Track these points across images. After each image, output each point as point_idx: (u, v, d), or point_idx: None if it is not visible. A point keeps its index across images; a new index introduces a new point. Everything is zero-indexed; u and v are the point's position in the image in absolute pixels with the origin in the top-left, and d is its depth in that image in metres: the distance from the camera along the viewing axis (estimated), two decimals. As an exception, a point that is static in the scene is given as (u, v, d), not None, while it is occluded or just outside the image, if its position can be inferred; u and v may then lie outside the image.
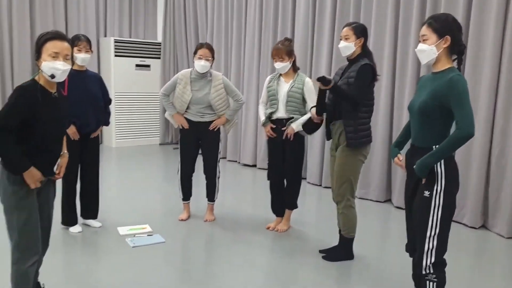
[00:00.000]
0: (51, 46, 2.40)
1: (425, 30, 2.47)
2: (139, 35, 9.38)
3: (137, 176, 6.48)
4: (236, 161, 7.58)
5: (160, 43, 9.14)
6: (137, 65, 8.82)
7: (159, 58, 9.10)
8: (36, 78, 2.46)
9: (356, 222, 3.65)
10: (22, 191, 2.40)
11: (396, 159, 2.75)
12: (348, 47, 3.47)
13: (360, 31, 3.48)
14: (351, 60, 3.53)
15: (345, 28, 3.51)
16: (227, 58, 7.71)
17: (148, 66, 8.97)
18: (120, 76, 8.48)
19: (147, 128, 9.18)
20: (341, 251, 3.72)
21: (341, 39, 3.52)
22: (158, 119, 9.25)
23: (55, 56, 2.40)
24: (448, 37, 2.41)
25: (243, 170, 7.16)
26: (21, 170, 2.36)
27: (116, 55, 8.48)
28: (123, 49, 8.58)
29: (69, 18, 8.46)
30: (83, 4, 8.56)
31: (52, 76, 2.41)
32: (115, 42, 8.48)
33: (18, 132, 2.35)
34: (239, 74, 7.49)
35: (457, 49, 2.46)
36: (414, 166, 2.47)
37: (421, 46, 2.48)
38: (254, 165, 7.28)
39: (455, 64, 2.49)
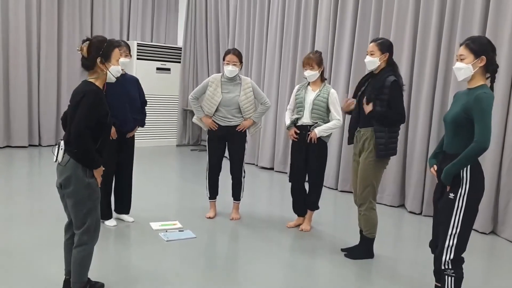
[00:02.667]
0: (117, 53, 2.80)
1: (462, 50, 2.75)
2: (160, 39, 9.70)
3: (159, 176, 6.78)
4: (254, 164, 7.85)
5: (180, 47, 9.45)
6: (158, 68, 9.14)
7: (179, 62, 9.41)
8: (93, 80, 2.78)
9: (377, 223, 3.91)
10: (93, 183, 2.76)
11: (432, 169, 2.98)
12: (373, 62, 3.73)
13: (385, 47, 3.72)
14: (376, 74, 3.78)
15: (371, 44, 3.77)
16: (248, 63, 7.96)
17: (168, 69, 9.28)
18: (141, 79, 8.57)
19: (165, 130, 9.48)
20: (362, 250, 3.98)
21: (367, 54, 3.79)
22: (176, 121, 9.55)
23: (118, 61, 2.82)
24: (484, 57, 2.69)
25: (261, 172, 7.44)
26: (98, 165, 2.73)
27: (138, 58, 8.79)
28: (145, 53, 8.90)
29: (95, 22, 8.82)
30: (108, 8, 8.90)
31: (117, 78, 2.83)
32: (138, 45, 8.79)
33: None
34: (259, 79, 7.75)
35: (491, 69, 2.74)
36: (442, 175, 2.75)
37: (458, 64, 2.75)
38: (272, 168, 7.55)
39: (488, 81, 2.76)
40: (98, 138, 2.74)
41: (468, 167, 2.69)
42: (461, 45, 2.78)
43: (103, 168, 2.80)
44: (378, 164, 3.76)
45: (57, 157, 2.74)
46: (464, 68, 2.73)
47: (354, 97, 3.95)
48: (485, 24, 4.87)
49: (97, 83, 2.78)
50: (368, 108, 3.68)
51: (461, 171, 2.70)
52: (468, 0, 4.99)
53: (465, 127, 2.70)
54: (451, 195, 2.74)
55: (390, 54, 3.75)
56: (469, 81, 2.77)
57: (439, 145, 3.01)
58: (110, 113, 2.79)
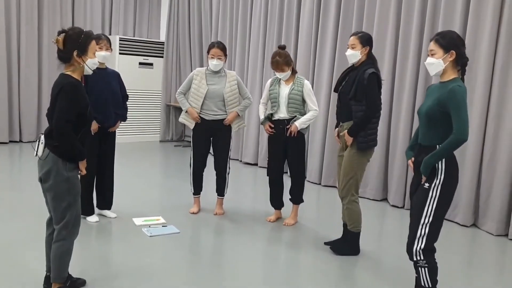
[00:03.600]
0: (94, 45, 2.79)
1: (432, 45, 2.80)
2: (142, 34, 9.62)
3: (143, 171, 6.74)
4: (238, 160, 7.84)
5: (163, 42, 9.38)
6: (141, 63, 9.06)
7: (162, 57, 9.34)
8: (70, 73, 2.74)
9: (361, 217, 3.92)
10: (74, 176, 2.74)
11: (409, 161, 3.01)
12: (354, 55, 3.75)
13: (366, 40, 3.75)
14: (356, 67, 3.80)
15: (351, 37, 3.80)
16: (231, 58, 7.93)
17: (151, 64, 9.21)
18: (123, 74, 8.54)
19: (148, 125, 9.41)
20: (348, 246, 3.96)
21: (348, 48, 3.81)
22: (159, 117, 9.49)
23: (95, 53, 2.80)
24: (453, 52, 2.74)
25: (245, 168, 7.43)
26: (82, 157, 2.71)
27: (120, 53, 8.70)
28: (127, 47, 8.81)
29: (76, 17, 8.70)
30: (90, 2, 8.79)
31: (94, 71, 2.80)
32: (120, 40, 8.70)
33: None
34: (242, 73, 7.73)
35: (461, 62, 2.79)
36: (421, 166, 2.78)
37: (429, 59, 2.81)
38: (256, 164, 7.55)
39: (459, 74, 2.81)
40: (79, 131, 2.72)
41: (444, 158, 2.73)
42: (431, 40, 2.84)
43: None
44: (361, 157, 3.78)
45: (37, 151, 2.71)
46: (435, 63, 2.78)
47: (335, 91, 3.98)
48: (466, 18, 4.93)
49: (74, 75, 2.74)
50: (349, 140, 3.74)
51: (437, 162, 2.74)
52: (448, 7, 5.03)
53: (439, 120, 2.75)
54: (426, 185, 2.78)
55: (370, 48, 3.78)
56: (441, 75, 2.82)
57: (414, 137, 3.04)
58: (89, 105, 2.76)
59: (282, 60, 4.35)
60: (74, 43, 2.70)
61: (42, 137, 2.72)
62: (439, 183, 2.74)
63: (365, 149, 3.75)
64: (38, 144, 2.72)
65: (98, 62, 4.29)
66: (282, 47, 4.43)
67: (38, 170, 2.75)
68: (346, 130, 3.78)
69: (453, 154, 2.77)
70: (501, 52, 4.64)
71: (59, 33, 2.71)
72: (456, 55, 2.75)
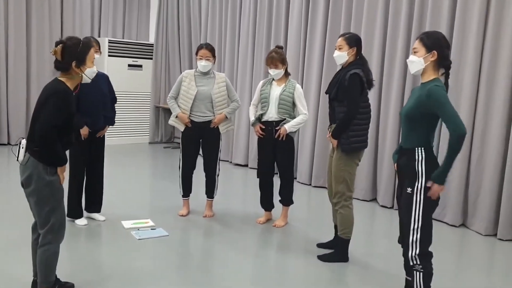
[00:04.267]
0: (92, 54, 2.76)
1: (416, 43, 2.80)
2: (132, 36, 9.57)
3: (131, 174, 6.70)
4: (228, 161, 7.82)
5: (152, 44, 9.35)
6: (130, 65, 9.01)
7: (151, 58, 9.30)
8: (64, 80, 2.72)
9: (353, 222, 3.84)
10: (55, 181, 2.70)
11: (396, 164, 2.99)
12: (341, 56, 3.74)
13: (353, 41, 3.73)
14: (344, 68, 3.78)
15: (339, 39, 3.78)
16: (220, 59, 7.92)
17: (140, 66, 9.17)
18: (113, 76, 8.50)
19: (138, 127, 9.37)
20: (337, 253, 3.88)
21: (335, 49, 3.80)
22: (148, 118, 9.45)
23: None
24: (435, 52, 2.73)
25: (235, 169, 7.41)
26: (64, 163, 2.67)
27: (109, 55, 8.65)
28: (116, 49, 8.76)
29: (65, 19, 8.63)
30: (79, 4, 8.74)
31: (92, 79, 2.80)
32: (109, 42, 8.65)
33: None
34: (232, 76, 7.72)
35: (443, 64, 2.78)
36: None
37: (411, 57, 2.81)
38: (246, 165, 7.54)
39: (443, 77, 2.80)
40: (61, 139, 2.69)
41: (423, 160, 2.72)
42: (416, 38, 2.83)
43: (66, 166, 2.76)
44: (346, 159, 3.72)
45: (18, 156, 2.68)
46: (416, 61, 2.77)
47: (327, 92, 3.94)
48: (452, 20, 4.96)
49: (68, 84, 2.72)
50: (334, 142, 3.75)
51: (416, 164, 2.73)
52: (435, 8, 5.05)
53: (418, 121, 2.74)
54: (409, 190, 2.76)
55: (358, 48, 3.75)
56: (421, 75, 2.81)
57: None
58: (79, 111, 2.75)
59: (277, 57, 4.37)
60: (73, 53, 2.67)
61: (23, 141, 2.69)
62: (421, 186, 2.72)
63: (350, 151, 3.69)
64: (19, 149, 2.69)
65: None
66: (280, 47, 4.48)
67: (20, 174, 2.73)
68: (331, 132, 3.78)
69: (432, 154, 2.77)
70: (487, 53, 4.68)
71: (57, 43, 2.67)
72: (438, 56, 2.73)
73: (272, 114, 4.44)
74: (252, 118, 4.56)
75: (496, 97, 4.65)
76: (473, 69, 4.76)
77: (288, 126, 4.36)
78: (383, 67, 5.63)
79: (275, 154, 4.52)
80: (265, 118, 4.47)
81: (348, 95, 3.63)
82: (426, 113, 2.69)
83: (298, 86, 4.46)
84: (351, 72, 3.62)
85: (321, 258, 3.89)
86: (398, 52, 5.42)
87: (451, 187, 4.91)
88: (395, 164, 2.99)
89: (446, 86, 2.77)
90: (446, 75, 2.82)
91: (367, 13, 5.70)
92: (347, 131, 3.66)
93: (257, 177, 4.67)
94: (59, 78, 2.72)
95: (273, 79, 4.52)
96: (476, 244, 4.54)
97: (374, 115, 5.63)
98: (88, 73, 2.76)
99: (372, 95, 5.63)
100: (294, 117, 4.43)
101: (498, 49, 4.62)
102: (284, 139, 4.39)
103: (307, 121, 6.01)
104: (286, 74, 4.51)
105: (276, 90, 4.44)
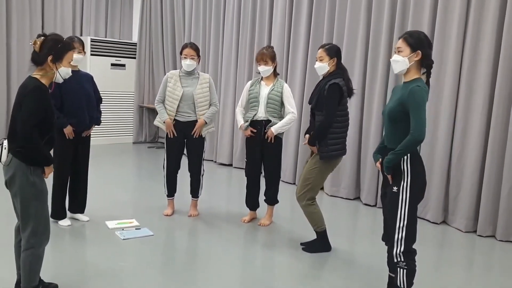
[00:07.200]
0: (71, 55, 2.74)
1: (400, 43, 2.82)
2: (114, 35, 9.50)
3: (115, 174, 6.67)
4: (212, 160, 7.81)
5: (135, 43, 9.30)
6: (113, 65, 8.95)
7: (134, 58, 9.25)
8: (38, 77, 2.70)
9: (321, 215, 3.97)
10: (40, 181, 2.68)
11: (377, 163, 3.02)
12: (322, 67, 3.84)
13: (333, 52, 3.83)
14: (325, 77, 3.86)
15: (319, 50, 3.87)
16: (204, 59, 7.91)
17: (123, 65, 9.11)
18: (96, 75, 8.37)
19: (121, 127, 9.31)
20: (319, 244, 4.03)
21: (316, 60, 3.88)
22: (132, 118, 9.40)
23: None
24: (420, 52, 2.77)
25: (220, 169, 7.42)
26: (49, 162, 2.66)
27: (92, 54, 8.58)
28: (99, 49, 8.70)
29: (46, 17, 8.51)
30: (60, 2, 8.63)
31: (64, 80, 2.77)
32: (92, 41, 8.59)
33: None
34: (216, 76, 7.72)
35: (426, 63, 2.82)
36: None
37: (395, 57, 2.83)
38: (230, 165, 7.54)
39: (424, 77, 2.85)
40: (43, 137, 2.67)
41: (408, 159, 2.76)
42: (399, 38, 2.86)
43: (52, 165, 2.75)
44: (322, 166, 3.83)
45: (1, 157, 2.66)
46: (400, 61, 2.79)
47: (310, 102, 3.99)
48: (434, 20, 5.04)
49: (42, 80, 2.70)
50: (312, 148, 3.84)
51: (402, 163, 2.76)
52: (417, 9, 5.13)
53: (402, 121, 2.77)
54: (395, 189, 2.81)
55: (338, 59, 3.85)
56: (404, 75, 2.84)
57: (382, 140, 3.06)
58: (58, 114, 2.74)
59: (268, 53, 4.42)
60: (51, 48, 2.67)
61: (5, 142, 2.67)
62: (406, 185, 2.76)
63: (328, 159, 3.79)
64: (2, 150, 2.67)
65: (71, 64, 4.33)
66: (271, 47, 4.57)
67: (4, 175, 2.70)
68: (307, 140, 3.86)
69: (417, 153, 2.81)
70: (467, 52, 4.75)
71: (39, 35, 2.68)
72: (422, 56, 2.77)
73: (261, 113, 4.45)
74: (242, 122, 4.55)
75: (476, 95, 4.73)
76: (454, 68, 4.84)
77: (275, 129, 4.38)
78: (366, 66, 5.68)
79: (263, 154, 4.55)
80: (254, 118, 4.48)
81: (327, 105, 3.72)
82: (407, 112, 2.72)
83: (286, 85, 4.49)
84: (330, 83, 3.72)
85: (306, 249, 4.01)
86: (381, 49, 5.47)
87: (432, 185, 4.99)
88: (377, 163, 3.02)
89: (427, 86, 2.81)
90: (428, 75, 2.86)
91: (350, 13, 5.75)
92: (325, 139, 3.74)
93: (246, 176, 4.69)
94: (33, 76, 2.70)
95: (262, 79, 4.53)
96: (457, 240, 4.62)
97: (357, 115, 5.71)
98: (62, 72, 2.74)
99: (355, 95, 5.69)
100: (282, 117, 4.45)
101: (478, 48, 4.70)
102: (273, 141, 4.42)
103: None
104: (275, 73, 4.54)
105: (265, 90, 4.46)
